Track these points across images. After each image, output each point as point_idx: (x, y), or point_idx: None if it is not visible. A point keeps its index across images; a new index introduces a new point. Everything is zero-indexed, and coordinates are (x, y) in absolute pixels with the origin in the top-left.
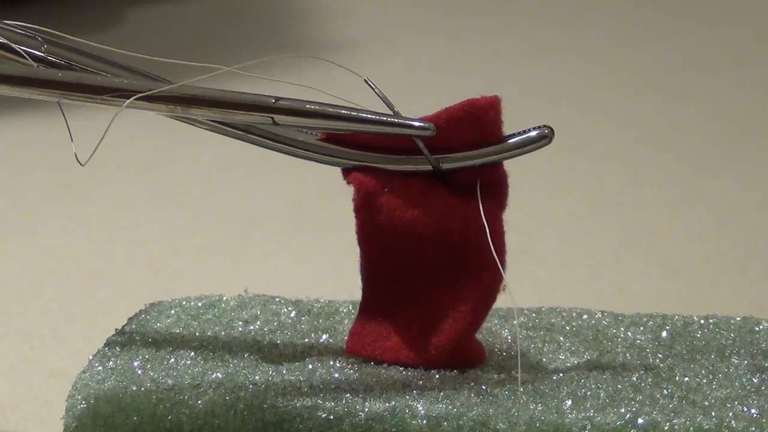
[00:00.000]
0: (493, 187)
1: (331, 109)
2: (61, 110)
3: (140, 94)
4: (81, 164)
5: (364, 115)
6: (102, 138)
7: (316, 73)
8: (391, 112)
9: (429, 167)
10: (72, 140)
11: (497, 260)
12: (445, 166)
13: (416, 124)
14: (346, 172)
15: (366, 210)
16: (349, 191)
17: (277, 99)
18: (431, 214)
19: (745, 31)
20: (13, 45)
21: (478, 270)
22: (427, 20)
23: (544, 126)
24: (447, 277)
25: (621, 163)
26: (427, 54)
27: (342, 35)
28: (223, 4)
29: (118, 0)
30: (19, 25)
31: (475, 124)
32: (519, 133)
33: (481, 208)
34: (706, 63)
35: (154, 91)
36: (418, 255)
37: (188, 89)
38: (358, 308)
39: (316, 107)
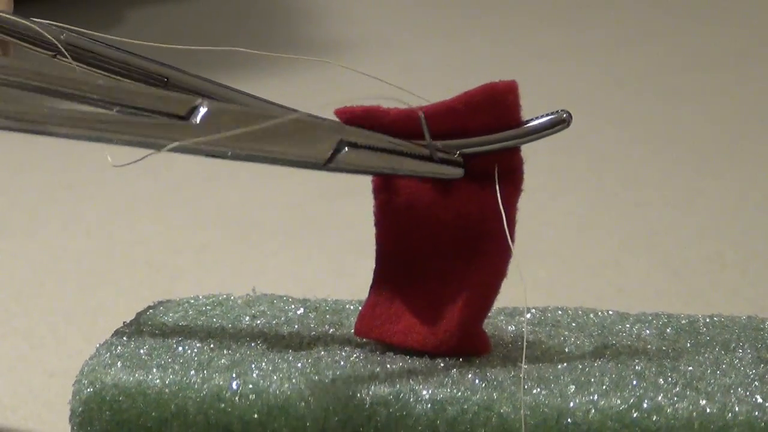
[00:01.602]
0: (509, 173)
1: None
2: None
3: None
4: (114, 165)
5: (404, 152)
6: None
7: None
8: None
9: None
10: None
11: (510, 245)
12: (465, 150)
13: (449, 169)
14: None
15: (385, 192)
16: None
17: (326, 161)
18: (449, 198)
19: (745, 31)
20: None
21: (489, 254)
22: (427, 20)
23: (562, 110)
24: (459, 261)
25: (621, 163)
26: (427, 54)
27: (342, 35)
28: (224, 4)
29: (117, 0)
30: (38, 22)
31: (494, 108)
32: (537, 118)
33: (498, 195)
34: (706, 63)
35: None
36: (434, 238)
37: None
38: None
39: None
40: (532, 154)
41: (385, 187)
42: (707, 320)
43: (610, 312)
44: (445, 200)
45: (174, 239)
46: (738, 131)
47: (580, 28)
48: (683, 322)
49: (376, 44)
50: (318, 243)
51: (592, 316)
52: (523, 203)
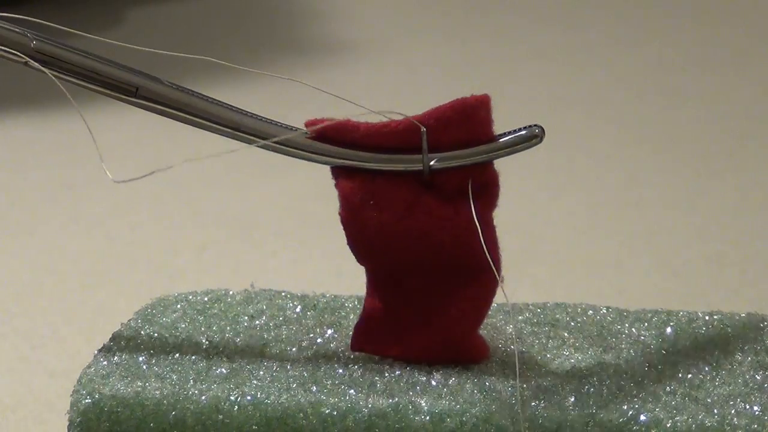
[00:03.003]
0: (483, 188)
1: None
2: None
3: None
4: (114, 181)
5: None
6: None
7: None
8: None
9: (419, 166)
10: (102, 160)
11: (492, 263)
12: (435, 165)
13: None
14: (335, 172)
15: (353, 224)
16: None
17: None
18: (419, 228)
19: (745, 31)
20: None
21: (475, 272)
22: (427, 20)
23: (535, 125)
24: (445, 278)
25: (621, 163)
26: (427, 54)
27: (342, 35)
28: (223, 4)
29: (117, 0)
30: (8, 16)
31: (465, 123)
32: (509, 133)
33: (474, 212)
34: (706, 63)
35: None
36: (413, 262)
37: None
38: (362, 304)
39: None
40: (531, 154)
41: (352, 220)
42: (706, 318)
43: (609, 309)
44: (416, 230)
45: (174, 239)
46: (738, 131)
47: (580, 28)
48: (683, 320)
49: (376, 44)
50: (317, 243)
51: (591, 313)
52: (524, 203)
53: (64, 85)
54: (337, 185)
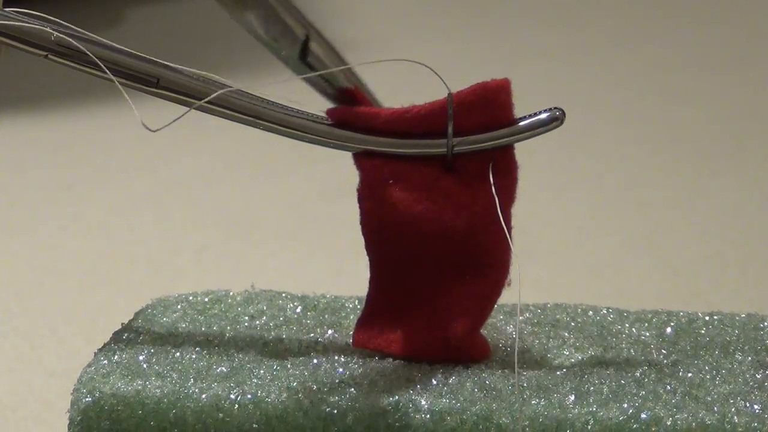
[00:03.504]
0: (503, 177)
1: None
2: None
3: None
4: (152, 130)
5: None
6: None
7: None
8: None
9: (442, 150)
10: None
11: (509, 241)
12: (457, 148)
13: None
14: (357, 157)
15: (370, 200)
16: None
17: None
18: (435, 211)
19: (745, 31)
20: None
21: (483, 267)
22: (427, 20)
23: (555, 108)
24: (452, 272)
25: (621, 163)
26: (427, 54)
27: (342, 35)
28: None
29: (117, 0)
30: (28, 12)
31: (486, 107)
32: (530, 116)
33: (495, 196)
34: (706, 63)
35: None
36: (422, 250)
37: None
38: (362, 305)
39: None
40: (532, 154)
41: (370, 196)
42: (707, 318)
43: (610, 310)
44: (432, 213)
45: (174, 239)
46: (738, 131)
47: (580, 28)
48: (683, 320)
49: (376, 44)
50: (318, 243)
51: (591, 313)
52: (524, 203)
53: (108, 78)
54: (358, 165)
